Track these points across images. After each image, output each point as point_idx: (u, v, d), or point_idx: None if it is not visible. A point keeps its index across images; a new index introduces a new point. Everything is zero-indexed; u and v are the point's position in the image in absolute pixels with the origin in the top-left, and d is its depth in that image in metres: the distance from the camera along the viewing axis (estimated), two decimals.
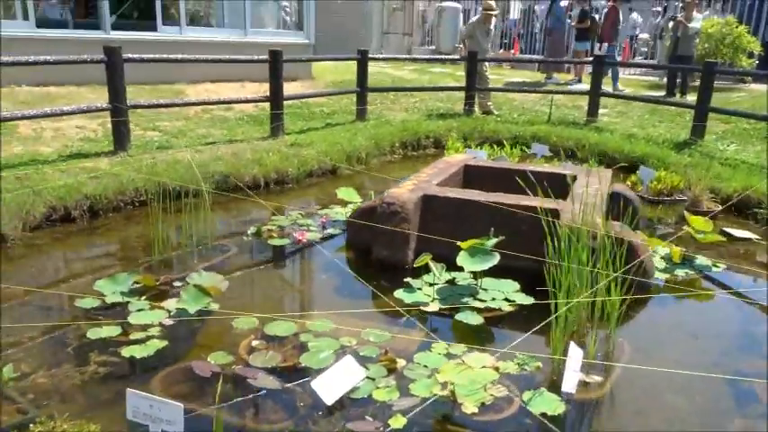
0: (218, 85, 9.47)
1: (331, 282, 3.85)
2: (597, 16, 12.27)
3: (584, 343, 2.97)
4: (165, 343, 2.87)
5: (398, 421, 2.34)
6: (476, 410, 2.43)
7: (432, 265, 3.54)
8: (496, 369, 2.73)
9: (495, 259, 3.42)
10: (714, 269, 4.12)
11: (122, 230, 4.63)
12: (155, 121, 7.50)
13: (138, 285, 3.41)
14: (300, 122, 8.39)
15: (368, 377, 2.62)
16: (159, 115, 7.77)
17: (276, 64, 6.75)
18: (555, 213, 3.71)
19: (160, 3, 9.17)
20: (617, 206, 4.63)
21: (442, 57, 13.84)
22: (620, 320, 3.08)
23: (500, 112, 9.94)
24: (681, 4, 11.54)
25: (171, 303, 3.22)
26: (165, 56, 6.20)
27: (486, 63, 9.69)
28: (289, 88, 10.02)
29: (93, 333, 2.93)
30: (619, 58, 12.52)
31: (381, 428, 2.29)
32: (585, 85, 10.57)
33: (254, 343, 2.90)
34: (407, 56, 11.56)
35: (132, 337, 2.92)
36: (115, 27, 8.90)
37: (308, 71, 10.87)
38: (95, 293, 3.31)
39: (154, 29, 9.24)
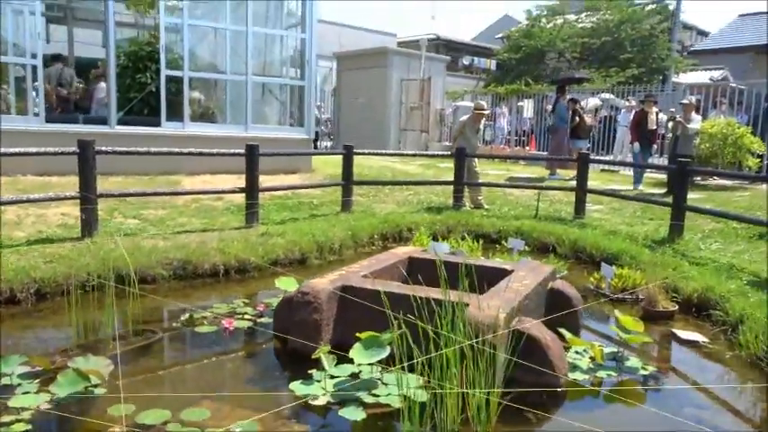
0: (216, 176, 9.89)
1: (235, 370, 3.82)
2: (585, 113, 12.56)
3: None
4: (28, 427, 2.87)
5: None
6: None
7: (323, 357, 3.50)
8: None
9: (385, 353, 3.36)
10: (642, 371, 3.93)
11: (60, 314, 4.72)
12: (140, 209, 7.83)
13: (33, 368, 3.45)
14: (286, 213, 8.62)
15: None
16: (147, 204, 8.12)
17: (252, 157, 7.05)
18: (464, 306, 3.66)
19: (165, 100, 9.82)
20: (556, 303, 4.55)
21: (429, 153, 14.17)
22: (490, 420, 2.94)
23: (491, 206, 10.00)
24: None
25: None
26: (137, 149, 6.57)
27: (476, 159, 9.87)
28: (288, 180, 10.45)
29: None
30: (651, 160, 12.55)
31: None
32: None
33: (116, 430, 2.87)
34: (393, 151, 11.91)
35: (3, 419, 2.93)
36: (121, 122, 9.53)
37: (308, 164, 11.27)
38: None
39: (158, 124, 9.84)
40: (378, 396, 3.36)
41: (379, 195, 10.49)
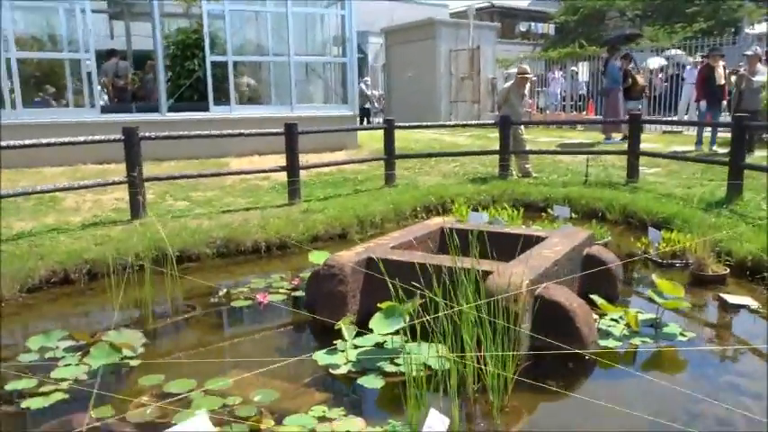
0: (264, 157, 10.09)
1: (265, 342, 3.93)
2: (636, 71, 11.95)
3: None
4: (65, 396, 3.06)
5: None
6: None
7: (344, 328, 3.53)
8: None
9: (402, 322, 3.36)
10: (680, 338, 3.76)
11: (107, 293, 4.96)
12: (190, 191, 8.11)
13: (77, 342, 3.66)
14: (329, 189, 8.70)
15: None
16: (197, 186, 8.39)
17: (291, 135, 7.14)
18: (487, 275, 3.61)
19: (212, 86, 10.05)
20: (592, 270, 4.41)
21: (474, 123, 13.84)
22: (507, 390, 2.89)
23: (539, 174, 9.75)
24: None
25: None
26: (180, 133, 6.78)
27: (522, 126, 9.61)
28: (331, 157, 10.54)
29: (11, 385, 3.19)
30: (721, 118, 11.85)
31: None
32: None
33: (144, 399, 3.02)
34: (433, 123, 11.71)
35: (42, 389, 3.14)
36: (171, 109, 9.84)
37: (354, 140, 11.31)
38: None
39: (206, 109, 10.10)
40: (399, 365, 3.37)
41: (424, 168, 10.41)
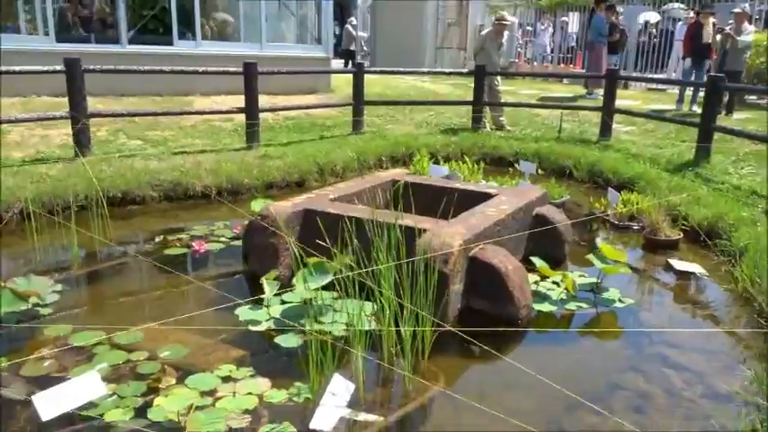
0: (228, 97, 9.70)
1: (190, 294, 3.76)
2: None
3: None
4: None
5: None
6: None
7: (266, 283, 3.38)
8: (260, 397, 2.54)
9: (328, 278, 3.21)
10: (618, 304, 3.66)
11: (40, 234, 4.76)
12: (146, 130, 7.79)
13: None
14: (295, 134, 8.42)
15: (119, 395, 2.52)
16: (156, 125, 8.07)
17: (249, 76, 6.80)
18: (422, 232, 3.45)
19: (176, 18, 9.55)
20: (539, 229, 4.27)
21: (447, 71, 13.40)
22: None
23: (514, 128, 9.51)
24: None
25: None
26: (123, 67, 6.43)
27: (498, 77, 9.30)
28: (305, 100, 10.18)
29: None
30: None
31: None
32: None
33: (45, 351, 2.87)
34: (405, 69, 11.29)
35: None
36: (133, 41, 9.37)
37: (327, 84, 10.92)
38: None
39: (170, 43, 9.63)
40: (322, 324, 3.24)
41: (396, 117, 10.12)
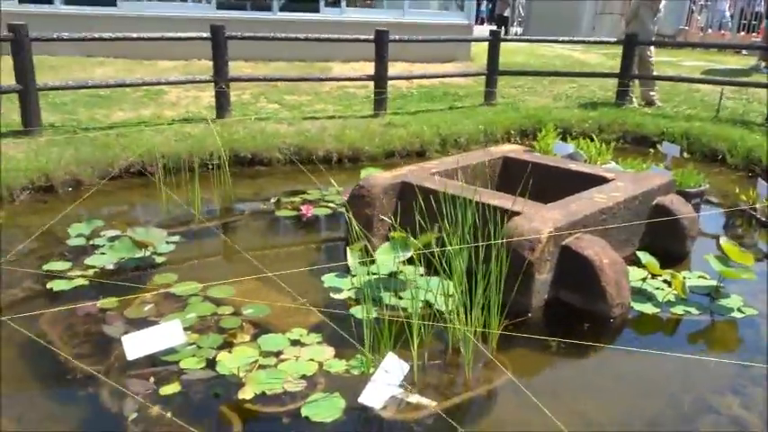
0: (367, 63, 9.84)
1: (290, 255, 3.96)
2: None
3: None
4: (85, 282, 3.32)
5: (172, 387, 2.43)
6: (248, 397, 2.39)
7: (350, 253, 3.43)
8: (320, 365, 2.62)
9: (408, 254, 3.20)
10: (736, 314, 3.23)
11: (175, 188, 5.24)
12: (285, 94, 8.20)
13: (123, 233, 3.91)
14: (425, 103, 8.38)
15: (198, 345, 2.74)
16: (295, 89, 8.45)
17: (380, 44, 6.85)
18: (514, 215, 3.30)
19: None
20: (660, 222, 3.89)
21: (592, 40, 12.27)
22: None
23: (666, 104, 8.66)
24: None
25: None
26: (259, 34, 6.75)
27: (652, 48, 8.46)
28: (442, 68, 10.06)
29: (49, 265, 3.51)
30: None
31: (149, 391, 2.41)
32: None
33: (148, 296, 3.19)
34: (541, 37, 10.53)
35: (71, 273, 3.42)
36: (283, 8, 9.83)
37: (467, 52, 10.69)
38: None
39: (317, 10, 9.98)
40: (401, 299, 3.25)
41: (535, 88, 9.67)
